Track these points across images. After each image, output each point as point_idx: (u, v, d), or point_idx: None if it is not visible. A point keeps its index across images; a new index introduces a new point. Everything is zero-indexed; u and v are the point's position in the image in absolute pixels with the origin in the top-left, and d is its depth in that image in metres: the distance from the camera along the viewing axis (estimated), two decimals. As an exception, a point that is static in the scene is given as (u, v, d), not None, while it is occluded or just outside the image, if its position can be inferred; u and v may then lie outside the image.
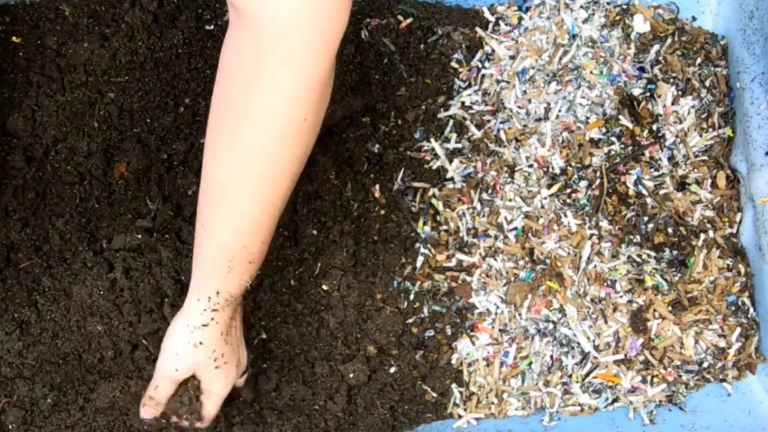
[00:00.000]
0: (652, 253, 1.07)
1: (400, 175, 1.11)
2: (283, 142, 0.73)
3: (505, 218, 1.09)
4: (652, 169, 1.11)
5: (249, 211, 0.76)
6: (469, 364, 1.05)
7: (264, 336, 0.98)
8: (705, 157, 1.13)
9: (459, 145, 1.13)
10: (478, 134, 1.13)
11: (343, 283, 1.03)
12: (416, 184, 1.11)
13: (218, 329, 0.84)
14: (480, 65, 1.17)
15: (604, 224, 1.08)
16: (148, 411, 0.88)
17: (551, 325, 1.05)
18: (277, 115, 0.71)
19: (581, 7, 1.18)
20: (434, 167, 1.13)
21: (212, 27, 1.16)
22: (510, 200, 1.09)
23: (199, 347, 0.85)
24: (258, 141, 0.72)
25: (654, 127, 1.12)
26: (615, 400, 1.04)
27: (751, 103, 1.10)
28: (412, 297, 1.06)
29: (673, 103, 1.13)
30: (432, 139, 1.13)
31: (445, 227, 1.10)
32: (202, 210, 0.79)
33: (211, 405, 0.89)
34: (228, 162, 0.75)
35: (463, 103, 1.15)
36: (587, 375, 1.04)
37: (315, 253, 1.03)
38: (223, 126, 0.75)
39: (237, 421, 0.93)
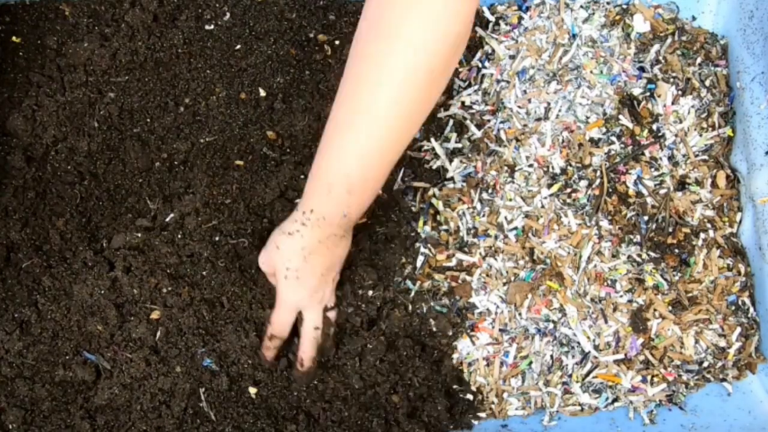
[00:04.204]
0: (652, 253, 1.07)
1: (400, 175, 1.11)
2: (410, 91, 0.78)
3: (505, 218, 1.09)
4: (652, 169, 1.11)
5: (361, 145, 0.81)
6: (469, 364, 1.05)
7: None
8: (705, 157, 1.13)
9: (459, 145, 1.13)
10: (478, 134, 1.13)
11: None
12: (416, 184, 1.11)
13: (299, 243, 0.88)
14: (480, 65, 1.17)
15: (604, 224, 1.08)
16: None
17: (551, 325, 1.05)
18: (410, 64, 0.76)
19: (581, 6, 1.18)
20: (434, 167, 1.13)
21: (212, 27, 1.16)
22: (510, 200, 1.09)
23: (278, 251, 0.91)
24: (388, 87, 0.78)
25: (654, 126, 1.12)
26: (615, 400, 1.04)
27: (751, 102, 1.10)
28: (412, 297, 1.06)
29: (673, 103, 1.13)
30: (432, 139, 1.13)
31: (445, 227, 1.10)
32: (324, 137, 0.84)
33: (277, 314, 0.94)
34: (356, 100, 0.80)
35: (463, 102, 1.15)
36: (587, 375, 1.04)
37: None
38: (357, 69, 0.80)
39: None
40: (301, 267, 0.89)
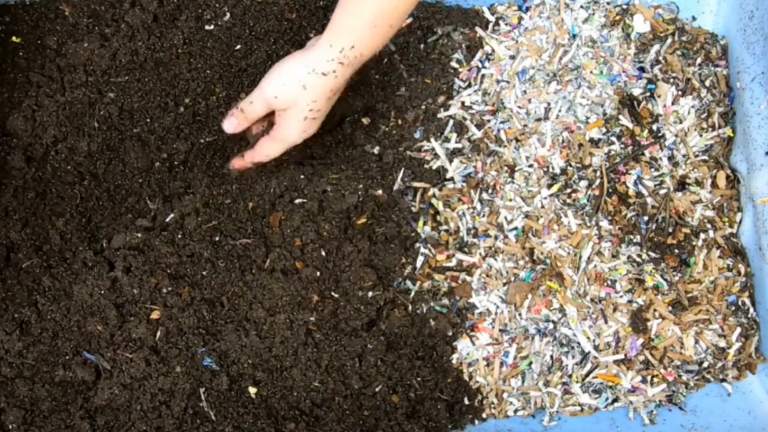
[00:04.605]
0: (652, 253, 1.07)
1: (400, 175, 1.11)
2: None
3: (505, 218, 1.09)
4: (652, 169, 1.11)
5: None
6: (469, 364, 1.05)
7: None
8: (705, 157, 1.13)
9: (459, 145, 1.13)
10: (478, 134, 1.13)
11: (343, 283, 1.03)
12: (416, 184, 1.11)
13: (331, 85, 0.86)
14: (480, 65, 1.17)
15: (604, 224, 1.08)
16: (232, 122, 0.93)
17: (551, 325, 1.05)
18: None
19: (581, 7, 1.18)
20: (434, 167, 1.13)
21: (212, 27, 1.16)
22: (510, 200, 1.09)
23: (304, 90, 0.87)
24: None
25: (654, 127, 1.12)
26: (615, 400, 1.04)
27: (751, 103, 1.10)
28: (412, 297, 1.06)
29: (673, 103, 1.13)
30: (432, 139, 1.13)
31: (445, 227, 1.10)
32: None
33: (275, 148, 0.93)
34: None
35: (463, 103, 1.15)
36: (587, 375, 1.04)
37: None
38: None
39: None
40: (323, 108, 0.88)
